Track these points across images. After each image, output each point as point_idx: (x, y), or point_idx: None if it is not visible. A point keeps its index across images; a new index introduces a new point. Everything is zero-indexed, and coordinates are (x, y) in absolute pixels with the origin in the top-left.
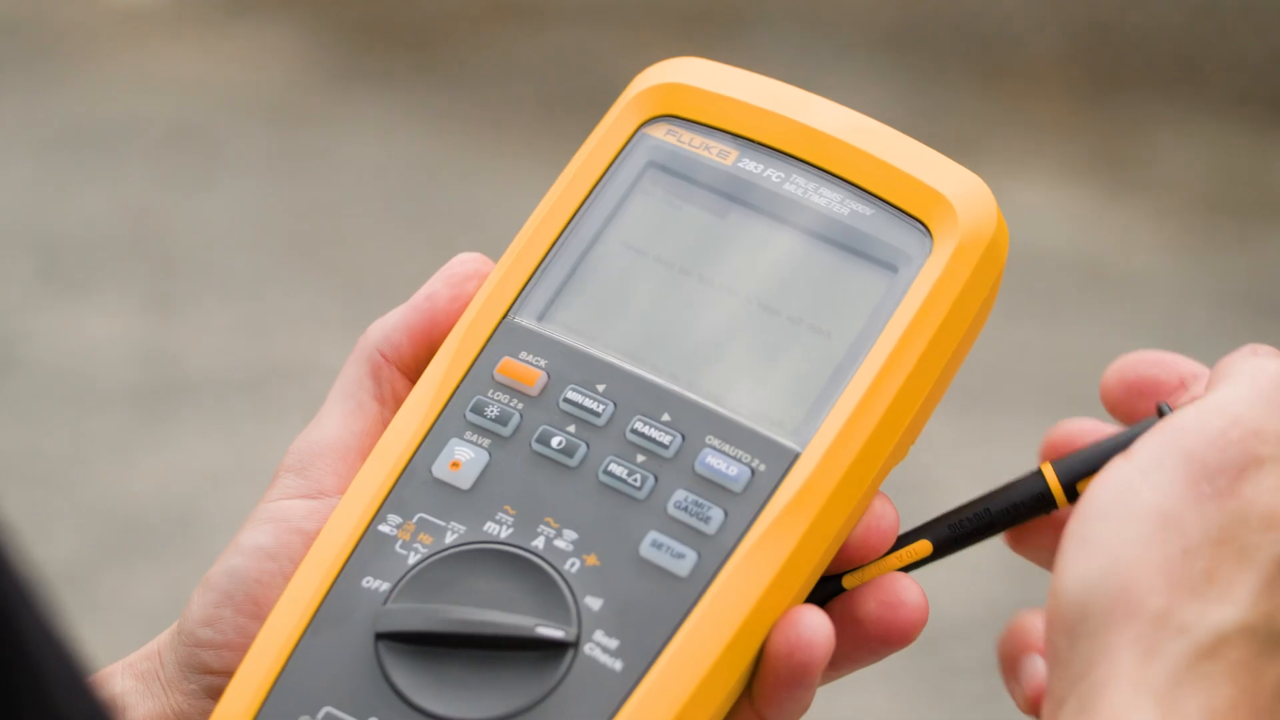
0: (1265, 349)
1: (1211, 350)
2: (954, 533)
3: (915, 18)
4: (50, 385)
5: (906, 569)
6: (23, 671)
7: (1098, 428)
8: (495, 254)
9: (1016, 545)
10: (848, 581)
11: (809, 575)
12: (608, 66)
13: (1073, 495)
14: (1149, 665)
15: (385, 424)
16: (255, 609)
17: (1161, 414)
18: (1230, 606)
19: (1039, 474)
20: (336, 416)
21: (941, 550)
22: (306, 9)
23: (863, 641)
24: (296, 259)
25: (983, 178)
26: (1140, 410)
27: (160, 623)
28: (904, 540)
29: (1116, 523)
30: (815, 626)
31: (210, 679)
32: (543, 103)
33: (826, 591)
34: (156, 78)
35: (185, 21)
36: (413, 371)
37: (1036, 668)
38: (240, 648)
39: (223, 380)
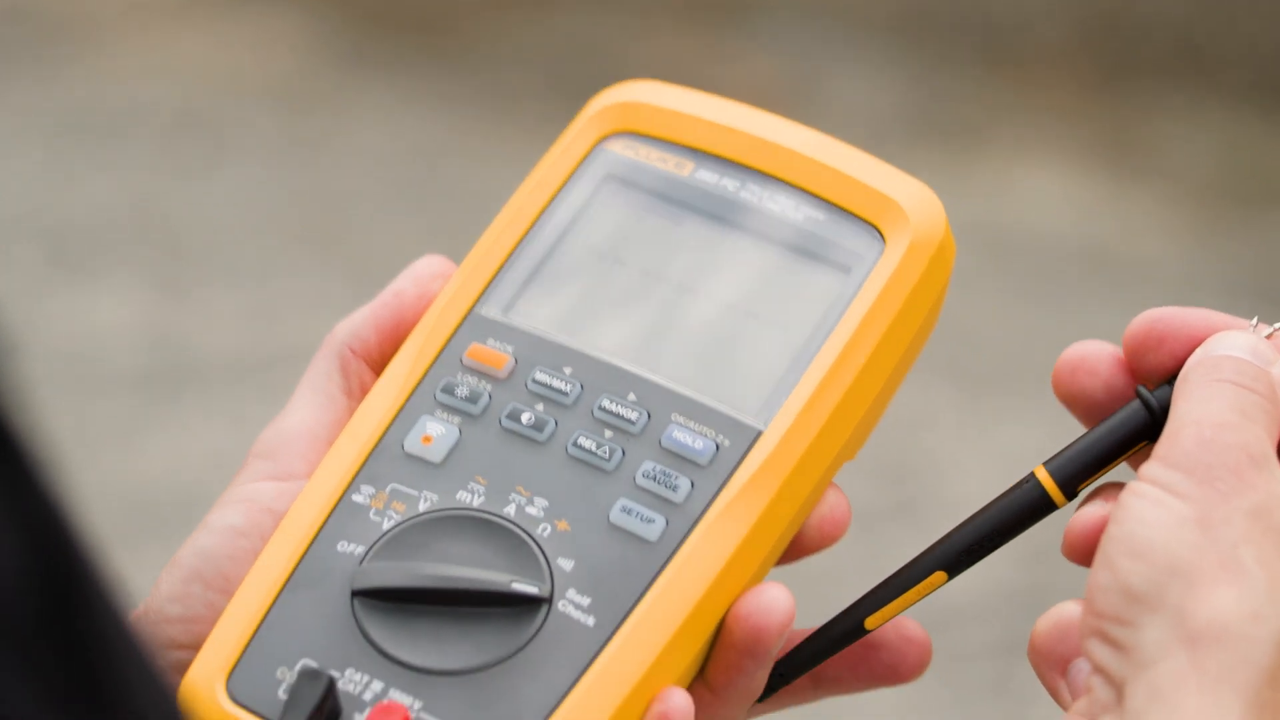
0: (1231, 342)
1: None
2: (966, 558)
3: (923, 4)
4: (58, 370)
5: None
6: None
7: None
8: None
9: None
10: (869, 623)
11: (770, 548)
12: (615, 53)
13: (1071, 494)
14: (1232, 673)
15: (350, 416)
16: (225, 584)
17: (1139, 397)
18: None
19: (1034, 480)
20: (305, 407)
21: (955, 575)
22: None
23: (869, 671)
24: (303, 244)
25: (990, 164)
26: (1150, 364)
27: None
28: (916, 574)
29: (1163, 534)
30: (775, 598)
31: (179, 654)
32: (550, 89)
33: (849, 632)
34: (163, 63)
35: (192, 7)
36: (379, 366)
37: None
38: (209, 622)
39: (230, 365)
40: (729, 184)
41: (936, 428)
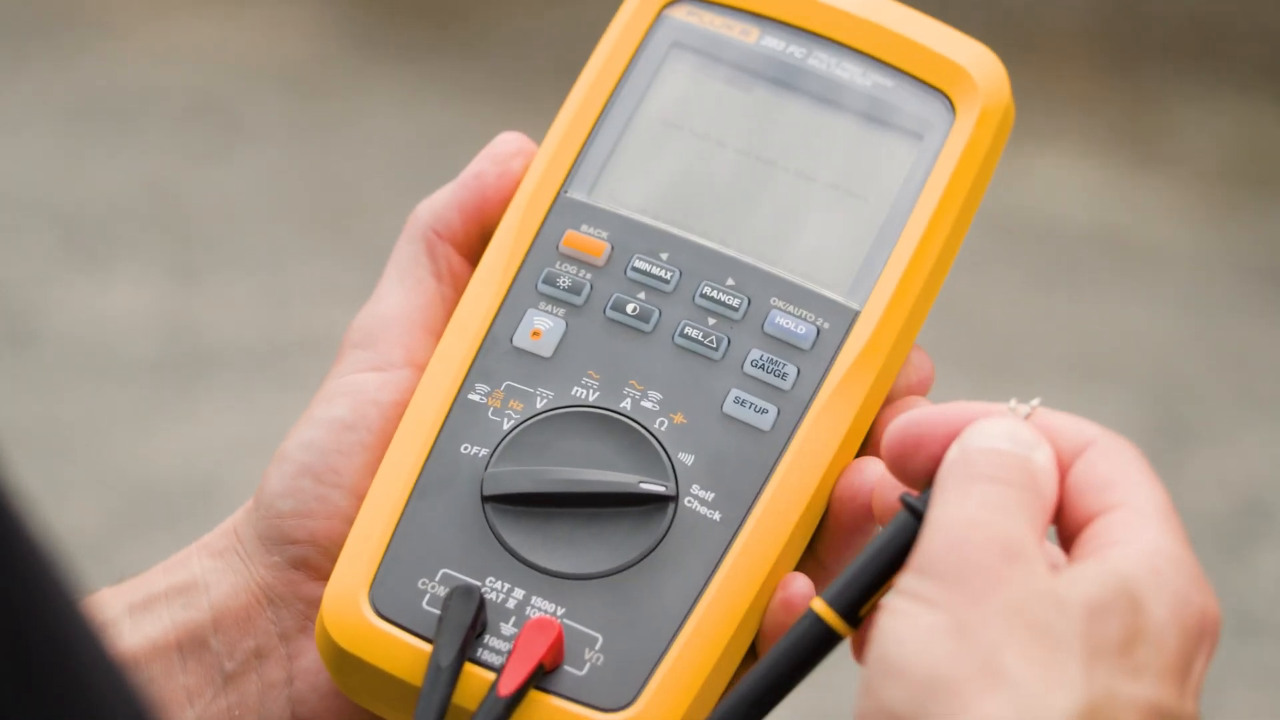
0: (984, 434)
1: (1232, 323)
2: (758, 710)
3: None
4: (71, 357)
5: None
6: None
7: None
8: None
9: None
10: None
11: (870, 425)
12: None
13: (855, 621)
14: None
15: (444, 299)
16: (336, 478)
17: (905, 505)
18: (1065, 691)
19: (813, 615)
20: (397, 292)
21: None
22: None
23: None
24: (317, 230)
25: (1005, 151)
26: (913, 470)
27: None
28: None
29: (917, 649)
30: (877, 474)
31: (294, 549)
32: (563, 74)
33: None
34: (176, 49)
35: None
36: (464, 248)
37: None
38: (322, 516)
39: (243, 352)
40: (796, 51)
41: None
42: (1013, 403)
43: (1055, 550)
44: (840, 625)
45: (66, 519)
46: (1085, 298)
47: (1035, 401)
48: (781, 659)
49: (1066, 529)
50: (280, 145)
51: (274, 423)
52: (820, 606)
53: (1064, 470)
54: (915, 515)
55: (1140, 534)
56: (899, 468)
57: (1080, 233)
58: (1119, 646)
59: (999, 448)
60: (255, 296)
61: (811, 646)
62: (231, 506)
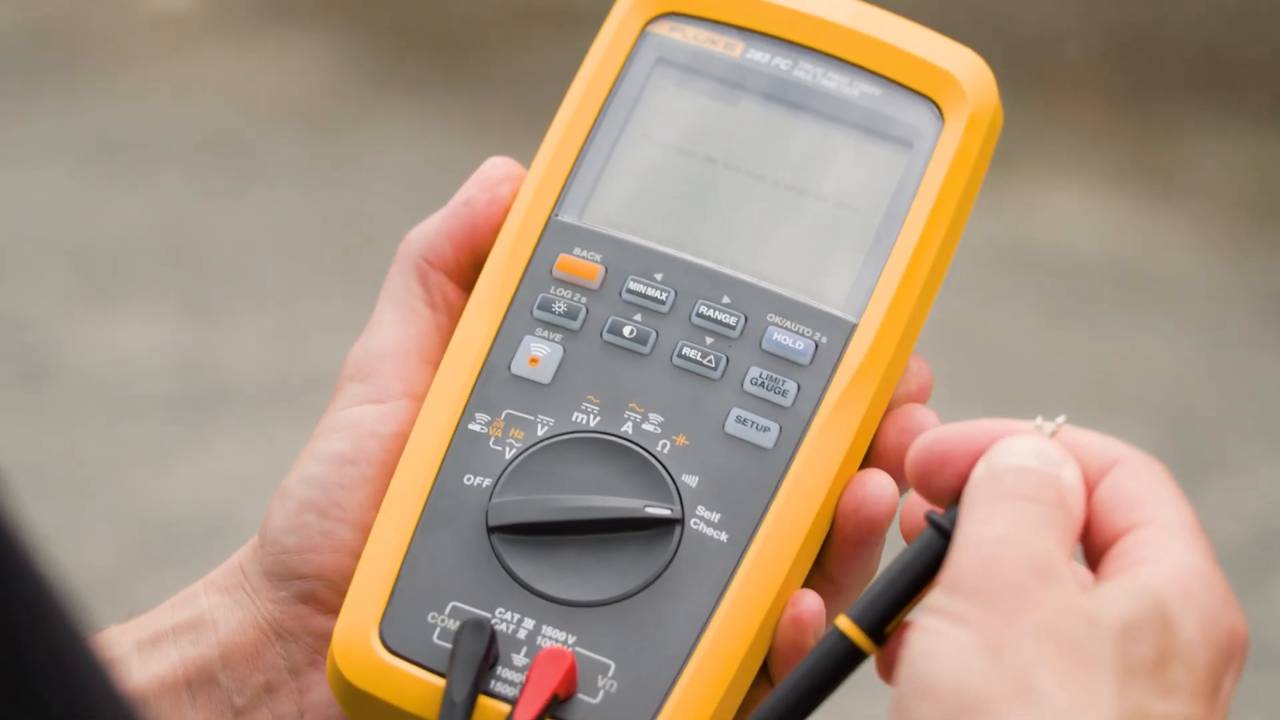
0: (1010, 454)
1: (1248, 354)
2: None
3: (950, 22)
4: (86, 393)
5: None
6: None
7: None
8: None
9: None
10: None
11: (872, 435)
12: None
13: (880, 639)
14: None
15: (439, 328)
16: (340, 512)
17: (930, 523)
18: (1098, 710)
19: (838, 632)
20: (391, 323)
21: None
22: (340, 15)
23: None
24: (332, 266)
25: (1019, 184)
26: (937, 487)
27: None
28: None
29: (949, 668)
30: (881, 486)
31: (301, 584)
32: None
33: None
34: (191, 85)
35: (219, 29)
36: (457, 276)
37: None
38: (328, 550)
39: (259, 388)
40: (781, 63)
41: None
42: (1038, 420)
43: (1081, 569)
44: (866, 643)
45: (81, 555)
46: (1100, 330)
47: (1060, 419)
48: (806, 677)
49: (1093, 546)
50: (294, 181)
51: (288, 458)
52: (846, 624)
53: (1090, 488)
54: (941, 533)
55: (1169, 552)
56: (923, 485)
57: (1096, 265)
58: (1151, 666)
59: (1027, 465)
60: (270, 332)
61: (837, 664)
62: (245, 542)
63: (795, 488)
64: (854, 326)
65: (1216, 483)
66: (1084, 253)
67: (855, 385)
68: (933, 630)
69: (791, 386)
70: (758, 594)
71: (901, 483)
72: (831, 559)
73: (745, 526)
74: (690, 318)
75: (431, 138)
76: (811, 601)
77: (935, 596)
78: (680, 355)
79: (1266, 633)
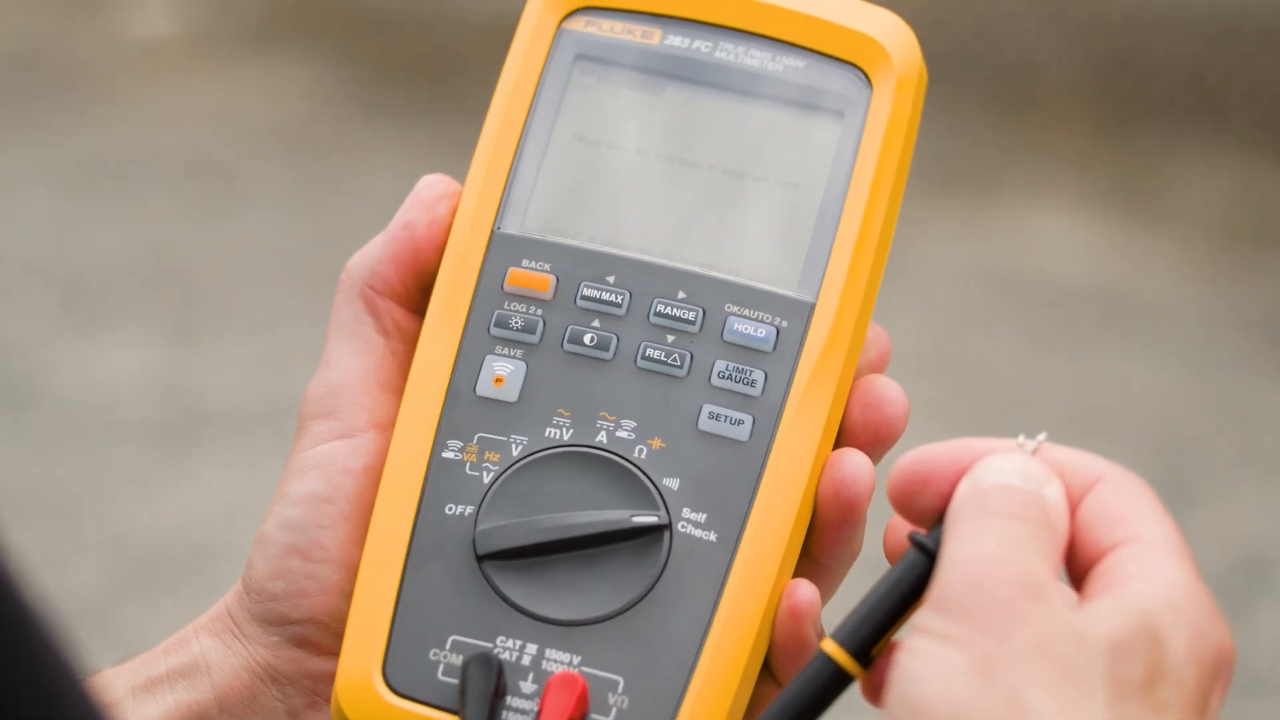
0: (994, 470)
1: (1232, 379)
2: None
3: (935, 49)
4: (71, 418)
5: None
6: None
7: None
8: None
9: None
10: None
11: (843, 411)
12: None
13: (866, 661)
14: None
15: (394, 354)
16: (324, 554)
17: (914, 543)
18: None
19: (824, 656)
20: (346, 355)
21: None
22: (325, 42)
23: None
24: (316, 291)
25: (1003, 209)
26: (920, 507)
27: None
28: None
29: (940, 689)
30: (856, 465)
31: (294, 629)
32: None
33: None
34: (175, 111)
35: (203, 55)
36: (405, 300)
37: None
38: (317, 593)
39: (243, 413)
40: (701, 45)
41: None
42: (1020, 438)
43: (1065, 588)
44: (853, 666)
45: (66, 581)
46: (1085, 354)
47: (1041, 436)
48: (793, 702)
49: (1077, 564)
50: (278, 207)
51: (273, 484)
52: (831, 648)
53: (1073, 505)
54: (925, 553)
55: (1155, 569)
56: (905, 505)
57: (1080, 290)
58: (1141, 684)
59: (1011, 483)
60: (254, 358)
61: (824, 688)
62: (231, 568)
63: (776, 477)
64: (812, 306)
65: (1201, 508)
66: (1068, 278)
67: (821, 366)
68: (922, 651)
69: (759, 375)
70: (754, 589)
71: (873, 453)
72: (816, 543)
73: (732, 523)
74: (649, 317)
75: (414, 163)
76: (806, 591)
77: (924, 616)
78: (644, 357)
79: (1250, 660)
